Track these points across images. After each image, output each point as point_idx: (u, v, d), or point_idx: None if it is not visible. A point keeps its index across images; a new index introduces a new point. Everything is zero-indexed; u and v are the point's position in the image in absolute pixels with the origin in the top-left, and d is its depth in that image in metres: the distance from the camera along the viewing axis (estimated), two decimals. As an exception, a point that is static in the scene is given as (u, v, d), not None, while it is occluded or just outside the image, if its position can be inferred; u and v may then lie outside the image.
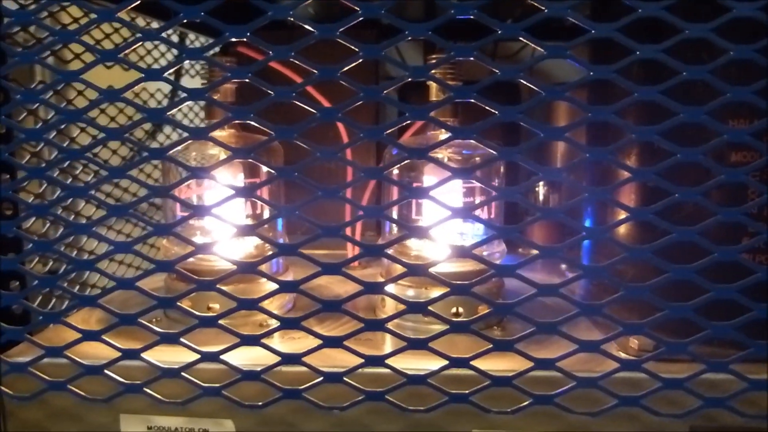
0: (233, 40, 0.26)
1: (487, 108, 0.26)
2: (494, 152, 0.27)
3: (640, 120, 0.32)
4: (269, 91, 0.26)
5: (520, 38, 0.25)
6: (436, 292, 0.32)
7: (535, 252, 0.27)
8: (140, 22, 0.55)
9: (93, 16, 0.27)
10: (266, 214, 0.41)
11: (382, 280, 0.35)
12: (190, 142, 0.36)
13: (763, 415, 0.28)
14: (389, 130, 0.27)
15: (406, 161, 0.29)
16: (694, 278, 0.26)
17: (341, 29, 0.25)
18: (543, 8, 0.25)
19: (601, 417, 0.28)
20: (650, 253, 0.26)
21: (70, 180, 0.49)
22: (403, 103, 0.29)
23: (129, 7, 0.27)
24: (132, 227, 0.59)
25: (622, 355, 0.31)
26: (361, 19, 0.26)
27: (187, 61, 0.68)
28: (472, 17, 0.25)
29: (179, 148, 0.28)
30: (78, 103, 0.49)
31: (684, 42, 0.25)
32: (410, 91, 0.58)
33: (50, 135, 0.28)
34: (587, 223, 0.39)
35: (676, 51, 0.25)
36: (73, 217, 0.51)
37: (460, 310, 0.36)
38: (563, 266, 0.50)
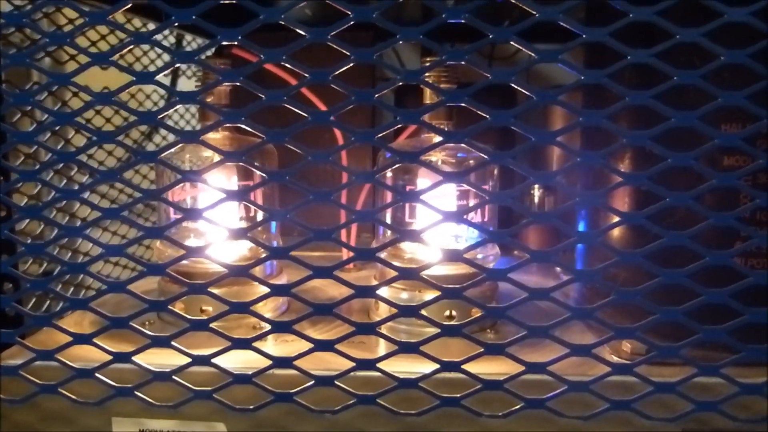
0: (228, 42, 0.26)
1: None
2: (487, 156, 0.27)
3: (633, 124, 0.32)
4: (261, 96, 0.26)
5: (512, 42, 0.25)
6: (429, 295, 0.32)
7: (527, 257, 0.27)
8: (137, 23, 0.55)
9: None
10: (260, 217, 0.41)
11: (375, 282, 0.35)
12: (184, 144, 0.36)
13: (754, 419, 0.28)
14: (381, 134, 0.27)
15: (399, 164, 0.29)
16: (685, 282, 0.26)
17: (333, 33, 0.25)
18: (534, 12, 0.25)
19: (593, 421, 0.28)
20: (642, 258, 0.26)
21: (65, 182, 0.49)
22: (399, 105, 0.29)
23: (121, 10, 0.27)
24: (127, 228, 0.59)
25: (615, 358, 0.31)
26: (353, 22, 0.26)
27: (183, 64, 0.68)
28: (463, 21, 0.25)
29: (171, 150, 0.28)
30: (73, 105, 0.49)
31: (677, 46, 0.25)
32: (407, 94, 0.58)
33: (44, 137, 0.28)
34: (581, 227, 0.39)
35: (669, 55, 0.25)
36: (67, 218, 0.51)
37: (454, 313, 0.36)
38: (558, 270, 0.50)
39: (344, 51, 0.25)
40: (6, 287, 0.36)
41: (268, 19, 0.26)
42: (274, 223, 0.42)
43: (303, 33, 0.25)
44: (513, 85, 0.26)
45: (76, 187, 0.30)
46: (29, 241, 0.34)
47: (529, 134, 0.26)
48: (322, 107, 0.41)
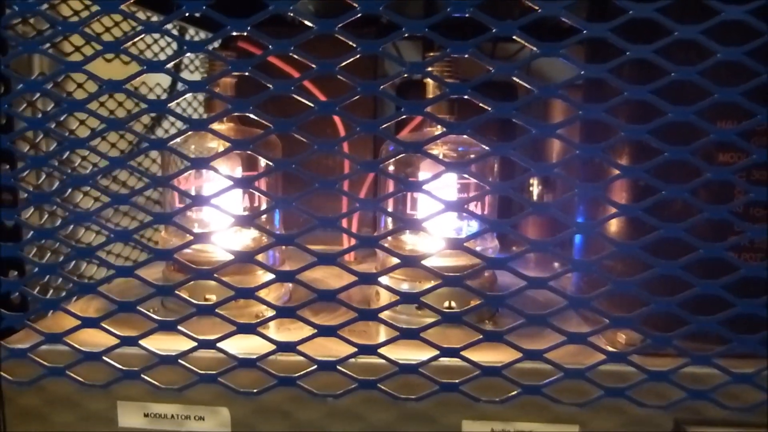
0: (233, 34, 0.27)
1: (482, 106, 0.26)
2: (488, 148, 0.28)
3: (633, 118, 0.32)
4: (268, 85, 0.26)
5: (515, 37, 0.26)
6: (430, 285, 0.32)
7: (526, 246, 0.28)
8: (140, 15, 0.55)
9: (94, 8, 0.27)
10: (264, 208, 0.42)
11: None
12: (189, 134, 0.37)
13: (745, 407, 0.29)
14: (385, 125, 0.27)
15: (401, 156, 0.30)
16: (679, 273, 0.27)
17: (340, 24, 0.26)
18: (537, 8, 0.25)
19: (588, 409, 0.29)
20: (637, 249, 0.27)
21: (69, 171, 0.50)
22: (402, 88, 0.29)
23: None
24: (129, 221, 0.59)
25: (610, 348, 0.32)
26: (360, 16, 0.26)
27: (186, 57, 0.69)
28: (468, 15, 0.26)
29: (179, 140, 0.29)
30: (77, 96, 0.49)
31: (676, 43, 0.26)
32: (408, 90, 0.58)
33: (51, 126, 0.29)
34: (579, 220, 0.39)
35: (668, 51, 0.26)
36: (71, 208, 0.52)
37: (453, 304, 0.36)
38: (556, 264, 0.51)
39: (351, 43, 0.26)
40: (12, 274, 0.36)
41: (278, 10, 0.26)
42: (277, 216, 0.42)
43: (310, 24, 0.26)
44: (515, 78, 0.26)
45: (83, 175, 0.31)
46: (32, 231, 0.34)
47: (529, 127, 0.26)
48: (316, 90, 0.42)
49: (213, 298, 0.36)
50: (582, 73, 0.26)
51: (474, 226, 0.41)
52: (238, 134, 0.40)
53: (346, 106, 0.27)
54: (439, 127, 0.39)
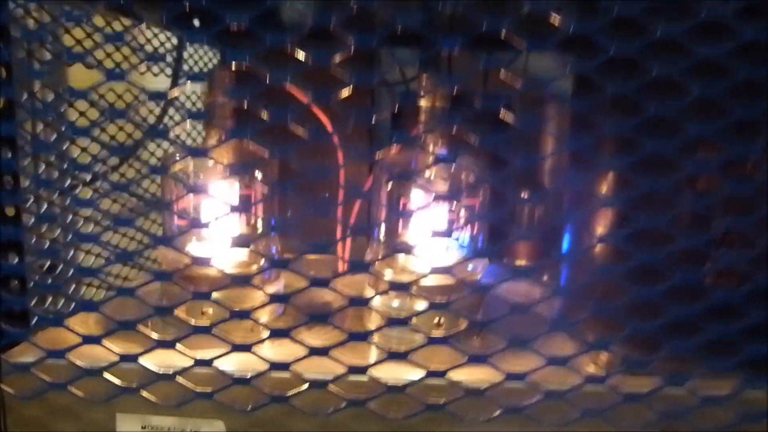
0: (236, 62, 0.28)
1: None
2: (479, 175, 0.29)
3: (618, 147, 0.34)
4: (267, 113, 0.27)
5: (501, 76, 0.27)
6: (419, 302, 0.33)
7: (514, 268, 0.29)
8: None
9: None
10: (260, 223, 0.43)
11: (368, 287, 0.37)
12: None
13: (719, 429, 0.30)
14: (380, 152, 0.28)
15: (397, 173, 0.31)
16: (655, 299, 0.28)
17: (335, 59, 0.27)
18: (522, 49, 0.26)
19: (569, 427, 0.30)
20: (617, 275, 0.28)
21: (66, 183, 0.50)
22: (397, 113, 0.30)
23: (137, 28, 0.28)
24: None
25: (593, 368, 0.33)
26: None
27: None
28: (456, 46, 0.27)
29: (178, 162, 0.30)
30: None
31: (657, 77, 0.27)
32: (405, 98, 0.59)
33: (63, 146, 0.30)
34: (567, 240, 0.41)
35: (650, 84, 0.27)
36: (69, 218, 0.52)
37: (442, 320, 0.37)
38: (545, 278, 0.52)
39: (344, 78, 0.27)
40: (12, 284, 0.37)
41: (274, 43, 0.27)
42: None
43: (305, 59, 0.27)
44: (502, 111, 0.27)
45: (77, 191, 0.32)
46: (34, 241, 0.35)
47: (516, 158, 0.27)
48: (323, 116, 0.42)
49: (210, 311, 0.37)
50: (570, 108, 0.27)
51: (465, 240, 0.42)
52: (237, 151, 0.41)
53: (341, 124, 0.28)
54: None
